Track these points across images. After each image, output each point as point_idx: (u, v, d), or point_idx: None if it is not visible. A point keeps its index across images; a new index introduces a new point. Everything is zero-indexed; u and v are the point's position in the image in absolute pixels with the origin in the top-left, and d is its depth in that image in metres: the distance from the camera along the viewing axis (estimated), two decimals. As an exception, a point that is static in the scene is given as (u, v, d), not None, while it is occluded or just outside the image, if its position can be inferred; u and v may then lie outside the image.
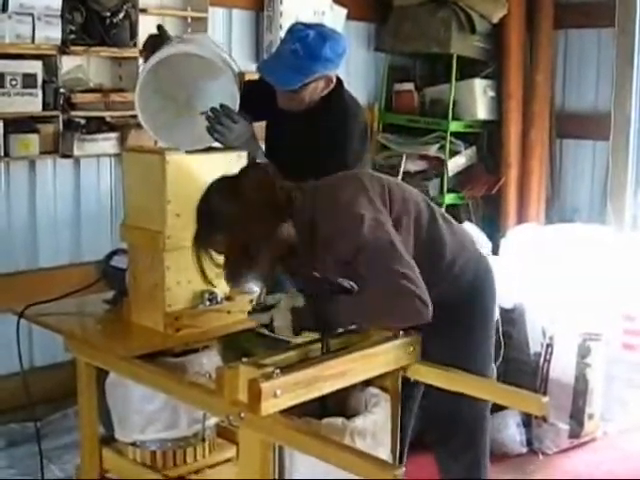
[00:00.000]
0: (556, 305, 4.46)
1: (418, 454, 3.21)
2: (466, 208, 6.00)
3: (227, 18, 5.18)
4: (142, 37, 4.41)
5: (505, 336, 4.40)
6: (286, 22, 4.96)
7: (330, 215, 2.59)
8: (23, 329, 3.06)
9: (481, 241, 4.64)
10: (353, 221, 2.53)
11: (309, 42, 3.11)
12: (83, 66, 4.45)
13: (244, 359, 2.40)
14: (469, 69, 5.90)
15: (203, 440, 2.99)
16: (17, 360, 3.09)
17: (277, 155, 3.20)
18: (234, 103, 3.08)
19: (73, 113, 4.27)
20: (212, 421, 3.01)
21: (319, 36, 3.14)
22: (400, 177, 5.48)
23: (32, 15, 4.06)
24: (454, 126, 5.79)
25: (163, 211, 2.79)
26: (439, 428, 3.07)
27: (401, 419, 2.79)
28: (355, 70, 5.72)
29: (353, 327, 2.64)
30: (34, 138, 4.15)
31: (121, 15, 4.35)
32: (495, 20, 5.79)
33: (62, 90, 4.21)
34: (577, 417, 4.38)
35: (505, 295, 4.38)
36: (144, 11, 4.51)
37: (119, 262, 3.15)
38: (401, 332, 2.63)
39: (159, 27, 3.17)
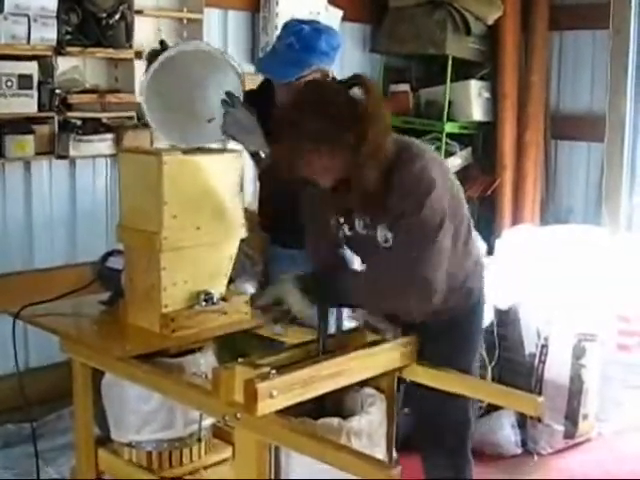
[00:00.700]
0: (551, 306, 4.47)
1: (407, 456, 3.21)
2: (461, 209, 6.00)
3: (223, 19, 5.18)
4: (138, 38, 4.45)
5: (500, 337, 4.42)
6: (282, 23, 4.95)
7: (408, 166, 2.55)
8: (19, 330, 3.07)
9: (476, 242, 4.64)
10: (426, 182, 2.53)
11: (304, 35, 3.17)
12: (79, 67, 4.45)
13: (240, 359, 2.41)
14: (464, 70, 5.91)
15: (199, 441, 2.98)
16: (13, 361, 3.09)
17: None
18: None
19: (69, 114, 4.28)
20: (208, 422, 3.01)
21: (314, 30, 3.21)
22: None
23: (28, 16, 4.06)
24: (449, 127, 5.80)
25: (159, 212, 2.79)
26: (425, 431, 3.04)
27: None
28: (350, 71, 5.68)
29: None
30: (30, 139, 4.15)
31: (117, 16, 4.35)
32: (490, 22, 5.80)
33: (58, 91, 4.21)
34: (572, 418, 4.39)
35: (500, 296, 4.40)
36: (140, 12, 4.52)
37: (115, 263, 3.14)
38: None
39: (161, 42, 3.17)
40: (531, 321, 4.45)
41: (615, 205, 5.73)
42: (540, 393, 4.20)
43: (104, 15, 4.32)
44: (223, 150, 3.13)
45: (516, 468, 4.17)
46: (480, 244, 4.41)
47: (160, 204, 2.78)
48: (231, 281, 3.13)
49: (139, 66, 4.49)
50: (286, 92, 3.18)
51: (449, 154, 5.84)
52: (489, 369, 4.37)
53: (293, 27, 3.24)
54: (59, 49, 4.18)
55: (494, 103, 5.99)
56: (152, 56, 3.10)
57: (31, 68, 4.11)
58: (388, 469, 2.09)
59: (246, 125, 3.13)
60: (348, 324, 3.04)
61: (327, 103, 2.49)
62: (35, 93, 4.13)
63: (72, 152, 4.28)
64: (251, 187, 3.99)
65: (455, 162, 5.87)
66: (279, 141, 2.54)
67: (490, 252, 4.87)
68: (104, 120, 4.46)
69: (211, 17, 5.03)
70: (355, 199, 2.57)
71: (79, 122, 4.35)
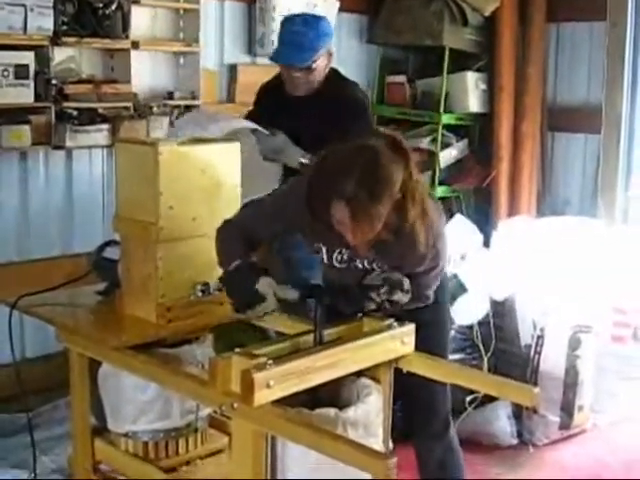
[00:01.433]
0: (547, 297, 4.48)
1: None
2: (457, 200, 6.02)
3: (219, 10, 5.18)
4: (134, 28, 4.44)
5: (496, 328, 4.43)
6: (278, 14, 4.97)
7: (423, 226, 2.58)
8: (15, 320, 3.06)
9: (473, 233, 4.66)
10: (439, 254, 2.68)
11: (307, 21, 3.57)
12: (75, 57, 4.44)
13: (237, 350, 2.41)
14: (461, 62, 5.91)
15: (195, 431, 2.99)
16: (9, 351, 3.08)
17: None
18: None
19: (65, 104, 4.27)
20: (204, 412, 3.02)
21: (311, 17, 3.68)
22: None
23: (24, 6, 4.05)
24: (446, 118, 5.80)
25: (156, 202, 2.79)
26: (415, 418, 3.16)
27: None
28: (347, 62, 5.72)
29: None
30: (26, 129, 4.14)
31: (113, 6, 4.35)
32: (487, 13, 5.80)
33: (54, 81, 4.21)
34: (567, 409, 4.40)
35: (496, 287, 4.41)
36: (136, 2, 4.51)
37: (111, 253, 3.14)
38: (395, 322, 2.65)
39: None
40: (527, 312, 4.46)
41: (611, 197, 5.74)
42: (536, 384, 4.20)
43: (100, 5, 4.31)
44: (220, 140, 3.12)
45: (512, 459, 4.18)
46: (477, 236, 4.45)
47: (156, 194, 2.78)
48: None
49: (135, 56, 4.49)
50: (300, 84, 3.56)
51: (445, 145, 5.84)
52: (485, 360, 4.38)
53: (292, 19, 3.63)
54: (55, 39, 4.17)
55: (491, 95, 5.99)
56: None
57: (28, 58, 4.10)
58: (384, 459, 2.09)
59: (276, 146, 3.53)
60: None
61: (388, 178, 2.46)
62: (31, 83, 4.12)
63: (68, 142, 4.27)
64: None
65: (451, 153, 5.88)
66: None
67: (486, 243, 4.87)
68: (100, 110, 4.45)
69: (208, 8, 5.02)
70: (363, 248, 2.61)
71: (75, 112, 4.34)
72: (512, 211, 5.90)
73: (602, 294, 4.73)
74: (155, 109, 4.59)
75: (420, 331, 2.70)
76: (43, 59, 4.17)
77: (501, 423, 4.28)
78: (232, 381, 2.32)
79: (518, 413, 4.33)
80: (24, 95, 4.10)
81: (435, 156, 5.75)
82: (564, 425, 4.40)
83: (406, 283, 2.63)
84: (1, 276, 4.18)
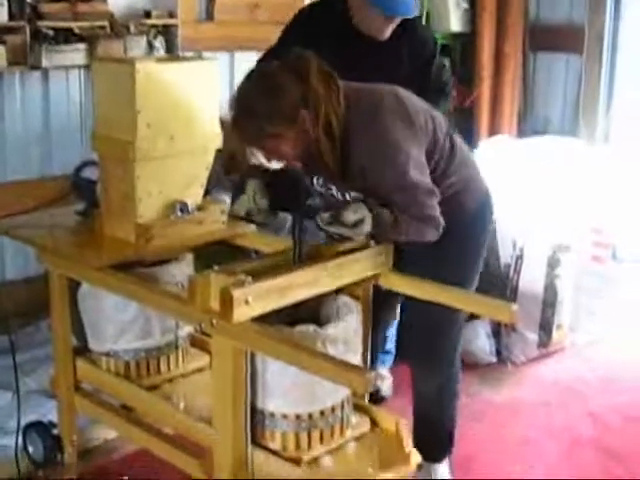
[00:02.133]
0: (527, 217, 4.49)
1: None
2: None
3: None
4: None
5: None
6: None
7: (372, 138, 2.60)
8: (-6, 242, 3.05)
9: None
10: (399, 158, 2.58)
11: None
12: (49, -26, 4.35)
13: (216, 267, 2.41)
14: (442, -20, 5.83)
15: (176, 348, 3.01)
16: (-11, 273, 3.08)
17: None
18: None
19: (40, 23, 4.19)
20: (185, 330, 3.04)
21: None
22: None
23: None
24: (427, 38, 5.73)
25: (133, 121, 2.75)
26: (415, 342, 3.09)
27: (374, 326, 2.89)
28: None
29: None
30: (1, 49, 4.07)
31: None
32: None
33: (28, 0, 4.13)
34: (546, 327, 4.45)
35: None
36: None
37: (90, 174, 3.12)
38: (372, 242, 2.66)
39: None
40: (506, 232, 4.47)
41: (592, 117, 5.73)
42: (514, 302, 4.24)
43: None
44: (198, 58, 3.08)
45: (491, 376, 4.23)
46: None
47: (134, 113, 2.75)
48: (207, 193, 3.12)
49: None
50: (386, 29, 3.33)
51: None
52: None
53: None
54: (30, -45, 4.08)
55: (472, 14, 5.92)
56: None
57: (1, -24, 4.02)
58: (363, 373, 2.12)
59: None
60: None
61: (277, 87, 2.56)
62: (5, 2, 4.03)
63: (45, 62, 4.20)
64: (227, 95, 3.94)
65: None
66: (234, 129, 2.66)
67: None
68: (76, 30, 4.35)
69: None
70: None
71: (51, 32, 4.26)
72: (493, 131, 5.88)
73: (582, 214, 4.75)
74: (132, 28, 4.50)
75: (437, 265, 2.74)
76: (16, -24, 4.09)
77: (480, 341, 4.32)
78: (211, 298, 2.33)
79: (497, 331, 4.38)
80: (-2, 14, 4.03)
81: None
82: (542, 343, 4.46)
83: (353, 215, 2.57)
84: (-20, 199, 4.15)
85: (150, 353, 2.98)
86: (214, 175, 3.32)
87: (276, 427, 2.50)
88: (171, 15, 4.71)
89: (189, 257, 3.07)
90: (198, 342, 3.11)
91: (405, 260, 2.74)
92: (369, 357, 2.84)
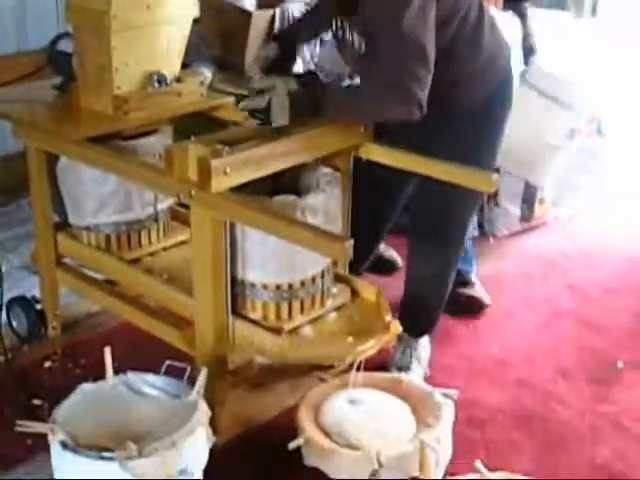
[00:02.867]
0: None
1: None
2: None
3: None
4: None
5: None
6: None
7: None
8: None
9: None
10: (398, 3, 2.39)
11: None
12: None
13: (193, 138, 2.39)
14: None
15: (156, 221, 3.01)
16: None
17: None
18: None
19: None
20: (165, 204, 3.02)
21: None
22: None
23: None
24: None
25: (108, -11, 2.69)
26: (426, 221, 3.00)
27: (383, 208, 2.95)
28: None
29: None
30: None
31: None
32: None
33: None
34: (528, 201, 4.44)
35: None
36: None
37: (65, 46, 3.06)
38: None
39: None
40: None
41: (580, -10, 5.62)
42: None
43: None
44: None
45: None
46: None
47: (108, -19, 2.67)
48: (186, 66, 3.07)
49: None
50: None
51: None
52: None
53: None
54: None
55: None
56: None
57: None
58: (341, 241, 2.12)
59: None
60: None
61: None
62: None
63: None
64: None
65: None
66: None
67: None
68: None
69: None
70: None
71: None
72: (479, 4, 5.76)
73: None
74: None
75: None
76: None
77: (463, 215, 4.32)
78: (189, 169, 2.31)
79: (480, 205, 4.36)
80: None
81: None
82: (525, 217, 4.46)
83: (259, 82, 2.49)
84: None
85: (131, 226, 2.97)
86: (193, 48, 3.26)
87: (257, 297, 2.52)
88: None
89: (168, 129, 3.04)
90: (180, 216, 3.09)
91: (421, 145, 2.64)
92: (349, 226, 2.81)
